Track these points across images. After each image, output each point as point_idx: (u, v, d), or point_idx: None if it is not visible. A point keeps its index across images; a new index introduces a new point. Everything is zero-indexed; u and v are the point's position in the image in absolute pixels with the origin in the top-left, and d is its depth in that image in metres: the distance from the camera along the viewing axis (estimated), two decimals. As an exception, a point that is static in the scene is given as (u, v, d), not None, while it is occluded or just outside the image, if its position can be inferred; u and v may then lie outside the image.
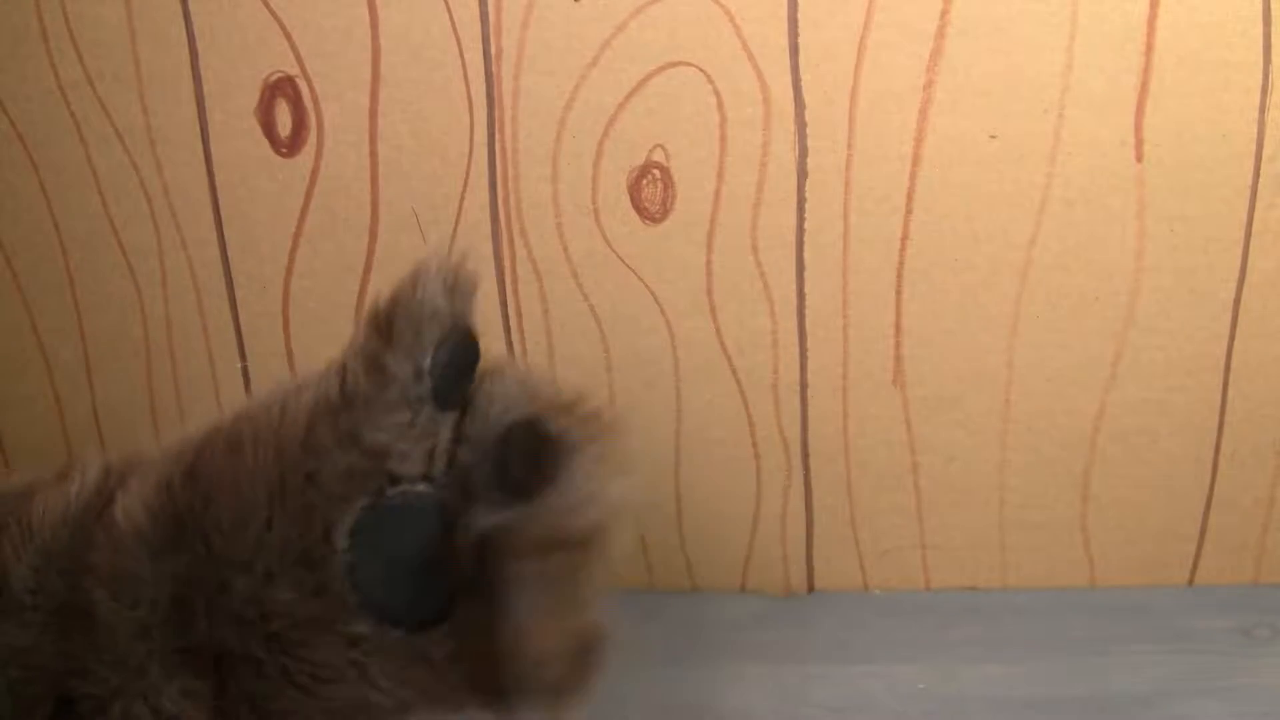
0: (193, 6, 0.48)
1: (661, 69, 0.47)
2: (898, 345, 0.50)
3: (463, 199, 0.50)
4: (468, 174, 0.49)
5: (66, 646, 0.36)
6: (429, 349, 0.33)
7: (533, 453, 0.33)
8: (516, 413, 0.34)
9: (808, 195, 0.49)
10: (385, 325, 0.33)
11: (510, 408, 0.34)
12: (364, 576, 0.34)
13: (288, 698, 0.36)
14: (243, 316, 0.53)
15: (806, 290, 0.50)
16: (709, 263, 0.50)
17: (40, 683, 0.36)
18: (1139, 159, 0.47)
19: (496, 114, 0.48)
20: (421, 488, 0.34)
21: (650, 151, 0.49)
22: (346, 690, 0.36)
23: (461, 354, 0.34)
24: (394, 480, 0.34)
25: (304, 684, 0.35)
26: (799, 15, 0.46)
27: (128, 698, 0.36)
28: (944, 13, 0.46)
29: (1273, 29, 0.45)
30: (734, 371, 0.51)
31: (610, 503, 0.34)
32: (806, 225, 0.49)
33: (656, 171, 0.49)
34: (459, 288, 0.34)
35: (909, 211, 0.48)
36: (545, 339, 0.52)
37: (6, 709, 0.35)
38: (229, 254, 0.52)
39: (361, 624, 0.35)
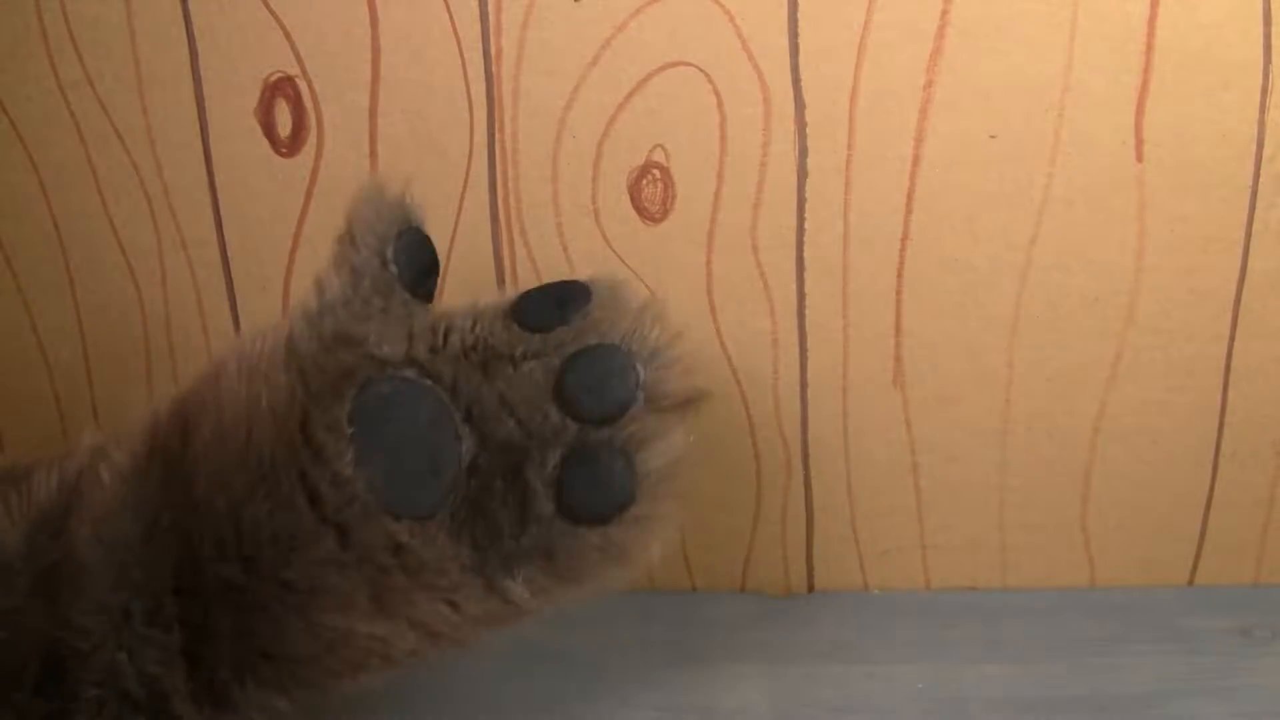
0: (193, 6, 0.48)
1: (661, 69, 0.47)
2: (898, 345, 0.50)
3: (463, 199, 0.50)
4: (468, 174, 0.49)
5: (53, 604, 0.36)
6: (389, 242, 0.37)
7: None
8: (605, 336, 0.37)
9: (808, 195, 0.49)
10: (348, 235, 0.38)
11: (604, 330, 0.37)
12: (367, 467, 0.36)
13: (268, 630, 0.36)
14: (243, 316, 0.53)
15: (806, 290, 0.50)
16: (709, 263, 0.50)
17: (26, 644, 0.36)
18: (1139, 159, 0.47)
19: (496, 114, 0.48)
20: (409, 373, 0.36)
21: (650, 151, 0.49)
22: (331, 617, 0.36)
23: (418, 244, 0.38)
24: (381, 368, 0.36)
25: (278, 613, 0.36)
26: (799, 15, 0.46)
27: (110, 649, 0.36)
28: (944, 13, 0.46)
29: (1273, 29, 0.45)
30: (734, 371, 0.51)
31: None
32: (806, 225, 0.49)
33: (656, 171, 0.49)
34: (402, 197, 0.38)
35: (909, 211, 0.48)
36: (545, 339, 0.51)
37: None
38: (229, 254, 0.52)
39: (330, 539, 0.35)
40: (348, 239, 0.38)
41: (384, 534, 0.36)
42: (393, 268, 0.37)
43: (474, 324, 0.38)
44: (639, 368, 0.37)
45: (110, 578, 0.36)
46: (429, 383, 0.36)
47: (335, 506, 0.36)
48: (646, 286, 0.50)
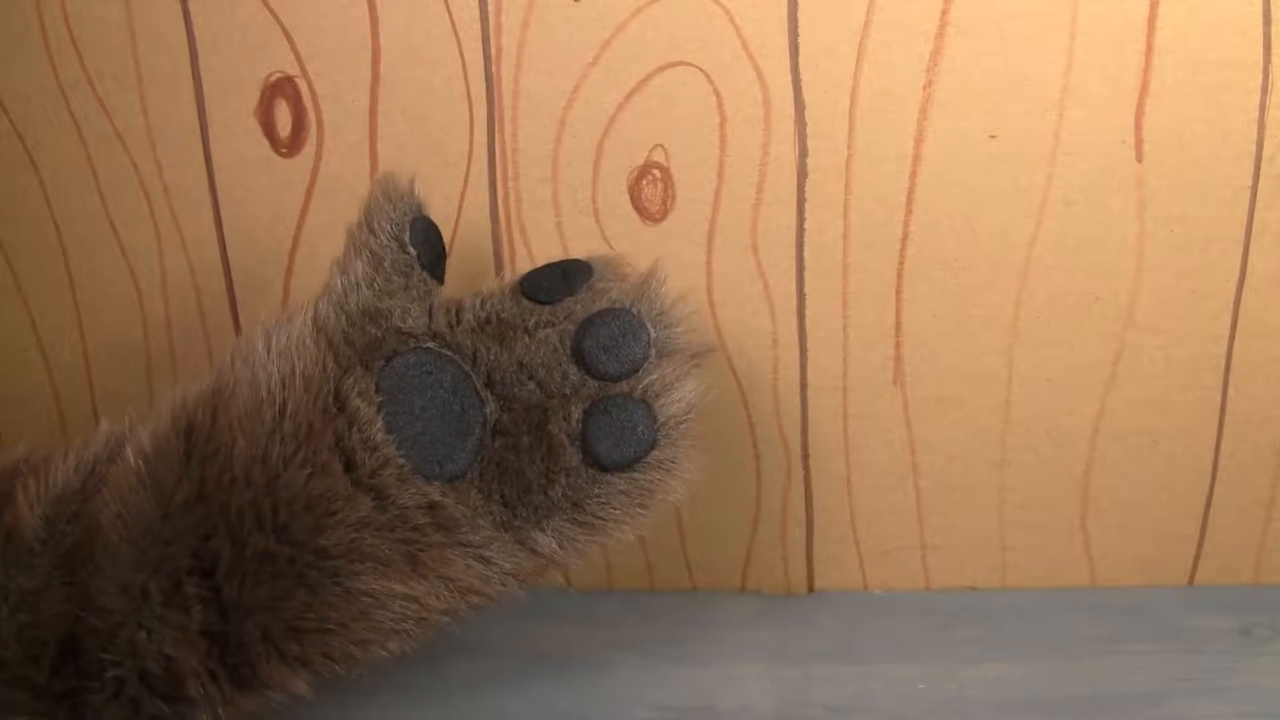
0: (193, 6, 0.48)
1: (661, 69, 0.47)
2: (898, 345, 0.50)
3: (463, 199, 0.50)
4: (468, 174, 0.49)
5: (73, 585, 0.37)
6: (404, 227, 0.40)
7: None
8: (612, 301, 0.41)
9: (808, 195, 0.49)
10: (366, 222, 0.41)
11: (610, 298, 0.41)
12: (398, 432, 0.38)
13: (303, 599, 0.37)
14: (243, 316, 0.53)
15: (806, 290, 0.50)
16: (709, 263, 0.50)
17: (47, 626, 0.37)
18: (1139, 159, 0.47)
19: (496, 114, 0.48)
20: (431, 344, 0.39)
21: (650, 151, 0.49)
22: (367, 580, 0.37)
23: (430, 229, 0.42)
24: (405, 340, 0.39)
25: (314, 580, 0.37)
26: (799, 15, 0.46)
27: (130, 627, 0.37)
28: (944, 13, 0.46)
29: (1273, 29, 0.45)
30: (734, 371, 0.51)
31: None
32: (806, 225, 0.49)
33: (656, 171, 0.49)
34: (412, 189, 0.41)
35: (909, 211, 0.48)
36: (545, 339, 0.51)
37: (16, 654, 0.36)
38: (229, 254, 0.52)
39: (366, 502, 0.37)
40: (365, 226, 0.41)
41: (418, 494, 0.38)
42: (411, 250, 0.40)
43: (483, 302, 0.41)
44: (649, 326, 0.40)
45: (130, 556, 0.37)
46: (450, 353, 0.39)
47: (370, 470, 0.38)
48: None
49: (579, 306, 0.41)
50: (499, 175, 0.49)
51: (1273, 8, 0.45)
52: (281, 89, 0.49)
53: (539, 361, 0.40)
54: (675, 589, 0.55)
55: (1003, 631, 0.51)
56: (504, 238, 0.50)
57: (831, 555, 0.54)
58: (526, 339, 0.40)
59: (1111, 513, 0.53)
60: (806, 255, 0.49)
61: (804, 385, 0.51)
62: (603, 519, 0.39)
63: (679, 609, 0.54)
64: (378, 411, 0.38)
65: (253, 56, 0.49)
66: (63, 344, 0.54)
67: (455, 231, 0.50)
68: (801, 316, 0.50)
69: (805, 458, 0.52)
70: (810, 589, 0.55)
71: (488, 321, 0.40)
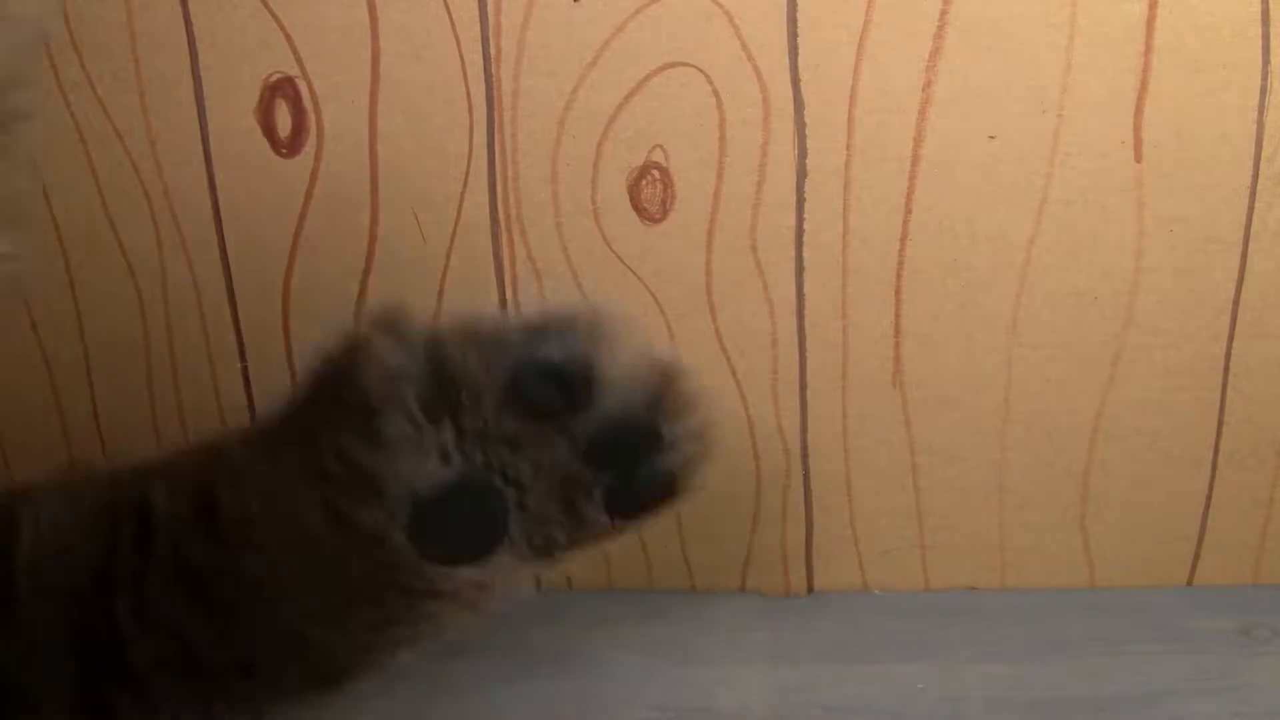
0: (193, 7, 0.48)
1: (661, 69, 0.47)
2: (897, 345, 0.50)
3: (463, 199, 0.50)
4: (468, 174, 0.49)
5: None
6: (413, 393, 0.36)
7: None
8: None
9: (807, 195, 0.49)
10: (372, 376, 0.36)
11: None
12: (429, 552, 0.37)
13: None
14: (243, 316, 0.53)
15: (806, 290, 0.50)
16: (709, 263, 0.50)
17: None
18: (1139, 159, 0.47)
19: (496, 114, 0.48)
20: (446, 472, 0.36)
21: (650, 151, 0.49)
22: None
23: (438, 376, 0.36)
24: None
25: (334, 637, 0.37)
26: (799, 15, 0.46)
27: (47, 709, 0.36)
28: (944, 13, 0.46)
29: (1273, 29, 0.45)
30: (734, 371, 0.51)
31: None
32: (806, 225, 0.49)
33: (656, 171, 0.49)
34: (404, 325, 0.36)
35: (909, 211, 0.48)
36: (545, 339, 0.51)
37: None
38: (229, 254, 0.52)
39: (395, 600, 0.38)
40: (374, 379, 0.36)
41: (453, 581, 0.38)
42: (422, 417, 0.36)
43: (478, 414, 0.37)
44: (664, 432, 0.37)
45: (45, 627, 0.36)
46: (465, 466, 0.37)
47: (405, 587, 0.37)
48: (646, 287, 0.50)
49: (590, 425, 0.37)
50: (499, 175, 0.49)
51: (1272, 8, 0.45)
52: (281, 89, 0.49)
53: (554, 461, 0.37)
54: (675, 589, 0.55)
55: (1003, 631, 0.51)
56: (504, 238, 0.50)
57: (831, 555, 0.54)
58: (533, 450, 0.37)
59: (1111, 513, 0.53)
60: (806, 255, 0.49)
61: (804, 385, 0.51)
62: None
63: (679, 609, 0.54)
64: (408, 543, 0.37)
65: (253, 56, 0.49)
66: (63, 344, 0.54)
67: (455, 231, 0.50)
68: (801, 316, 0.50)
69: (805, 458, 0.52)
70: (810, 589, 0.55)
71: (487, 435, 0.37)
